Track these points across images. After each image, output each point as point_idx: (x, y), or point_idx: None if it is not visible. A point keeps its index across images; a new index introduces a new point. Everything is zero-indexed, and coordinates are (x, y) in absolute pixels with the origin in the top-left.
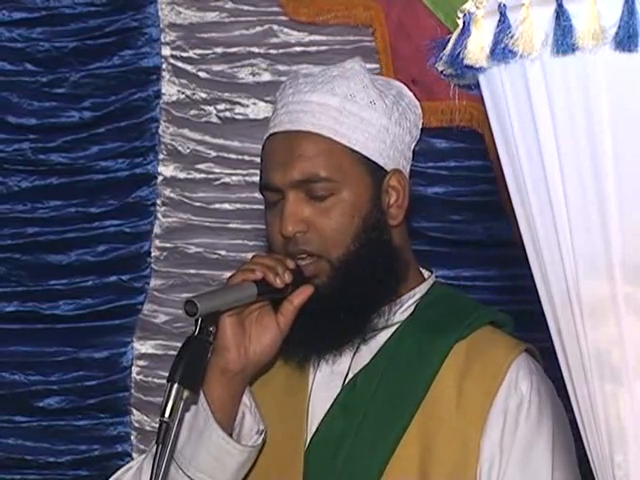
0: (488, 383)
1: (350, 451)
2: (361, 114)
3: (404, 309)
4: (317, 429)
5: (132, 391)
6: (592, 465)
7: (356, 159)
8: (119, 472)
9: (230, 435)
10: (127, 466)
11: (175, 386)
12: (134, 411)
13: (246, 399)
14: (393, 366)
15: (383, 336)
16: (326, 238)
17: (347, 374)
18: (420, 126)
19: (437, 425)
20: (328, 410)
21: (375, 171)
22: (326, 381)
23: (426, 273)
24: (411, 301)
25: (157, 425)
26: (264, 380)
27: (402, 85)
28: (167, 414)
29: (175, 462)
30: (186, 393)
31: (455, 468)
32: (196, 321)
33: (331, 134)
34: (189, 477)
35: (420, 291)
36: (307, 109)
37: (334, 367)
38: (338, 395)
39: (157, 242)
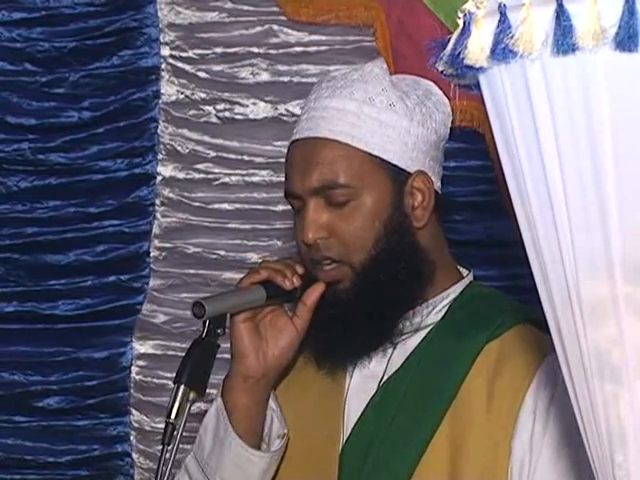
0: (518, 383)
1: (379, 452)
2: (380, 117)
3: (437, 311)
4: (352, 431)
5: (131, 391)
6: (592, 465)
7: (375, 163)
8: None
9: (258, 444)
10: None
11: (182, 388)
12: (133, 411)
13: (272, 403)
14: (423, 368)
15: (416, 339)
16: (347, 244)
17: (382, 377)
18: (449, 125)
19: (467, 426)
20: (362, 412)
21: (396, 174)
22: (361, 384)
23: (464, 272)
24: (444, 302)
25: (156, 425)
26: (299, 383)
27: (431, 84)
28: (173, 415)
29: (203, 471)
30: (192, 395)
31: (485, 469)
32: (204, 323)
33: (348, 140)
34: None
35: (454, 292)
36: (325, 115)
37: (369, 371)
38: (372, 397)
39: (156, 242)
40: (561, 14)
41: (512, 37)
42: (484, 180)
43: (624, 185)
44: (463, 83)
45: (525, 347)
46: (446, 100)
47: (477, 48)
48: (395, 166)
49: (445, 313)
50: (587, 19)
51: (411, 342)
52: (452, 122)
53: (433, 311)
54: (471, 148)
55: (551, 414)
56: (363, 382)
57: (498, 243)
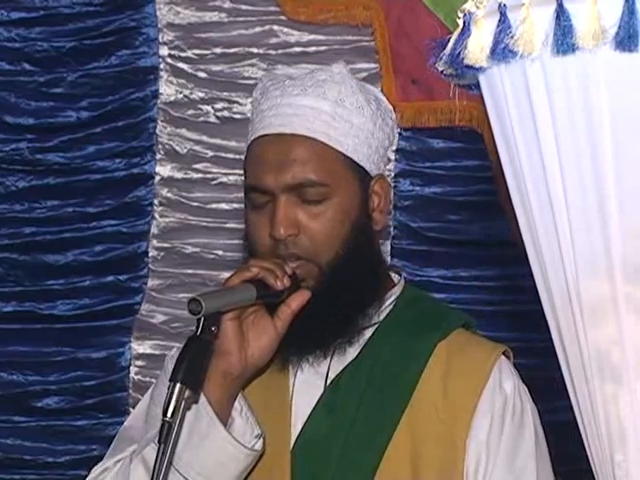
0: (473, 383)
1: (342, 453)
2: (351, 119)
3: (382, 309)
4: (302, 430)
5: (130, 391)
6: (592, 465)
7: (347, 164)
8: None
9: None
10: (100, 468)
11: (177, 386)
12: (132, 411)
13: (236, 403)
14: (378, 367)
15: (363, 336)
16: (317, 242)
17: (327, 374)
18: (396, 131)
19: (425, 425)
20: (312, 411)
21: (363, 176)
22: (308, 381)
23: (394, 275)
24: (389, 301)
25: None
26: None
27: (376, 89)
28: (169, 414)
29: (172, 466)
30: (187, 393)
31: (444, 466)
32: (198, 320)
33: (324, 139)
34: None
35: (395, 292)
36: (300, 112)
37: (315, 367)
38: (322, 396)
39: (154, 242)
40: (561, 14)
41: (512, 37)
42: (481, 180)
43: (624, 185)
44: (463, 83)
45: (475, 348)
46: (391, 107)
47: (477, 48)
48: (362, 168)
49: (389, 312)
50: (587, 19)
51: (358, 339)
52: (451, 122)
53: (379, 310)
54: (469, 148)
55: (507, 414)
56: (309, 378)
57: (496, 243)
